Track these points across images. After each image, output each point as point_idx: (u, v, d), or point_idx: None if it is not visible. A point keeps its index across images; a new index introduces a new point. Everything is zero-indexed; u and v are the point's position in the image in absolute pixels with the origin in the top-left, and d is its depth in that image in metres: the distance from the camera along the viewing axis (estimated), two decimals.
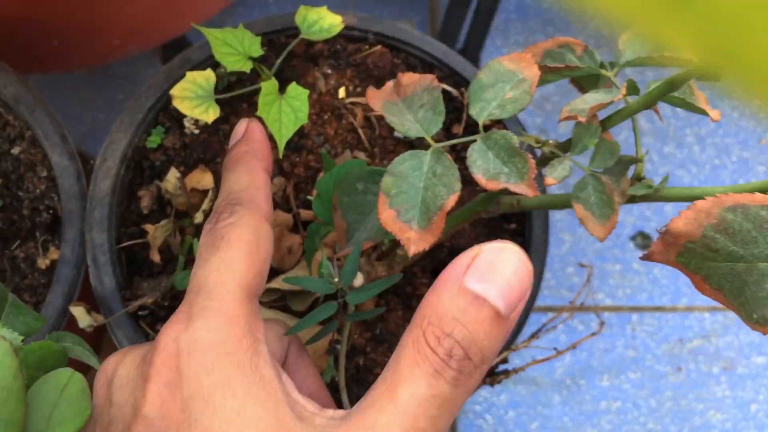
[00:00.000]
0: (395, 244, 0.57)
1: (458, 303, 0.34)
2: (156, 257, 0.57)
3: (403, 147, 0.65)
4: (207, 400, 0.32)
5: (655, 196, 0.50)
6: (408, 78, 0.49)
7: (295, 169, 0.64)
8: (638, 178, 0.51)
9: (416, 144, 0.65)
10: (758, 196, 0.39)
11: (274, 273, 0.61)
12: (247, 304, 0.37)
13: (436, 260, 0.62)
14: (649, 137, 1.10)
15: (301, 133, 0.64)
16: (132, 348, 0.38)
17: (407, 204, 0.46)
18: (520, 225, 0.63)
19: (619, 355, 1.03)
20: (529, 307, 0.61)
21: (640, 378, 1.02)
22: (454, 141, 0.48)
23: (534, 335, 0.60)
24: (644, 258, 0.44)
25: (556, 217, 1.07)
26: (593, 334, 0.64)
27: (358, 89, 0.66)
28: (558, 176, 0.48)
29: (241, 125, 0.50)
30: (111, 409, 0.35)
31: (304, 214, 0.64)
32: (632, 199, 0.51)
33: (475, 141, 0.47)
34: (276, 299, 0.59)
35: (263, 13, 1.11)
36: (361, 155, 0.65)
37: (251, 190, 0.44)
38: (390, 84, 0.49)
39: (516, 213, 0.66)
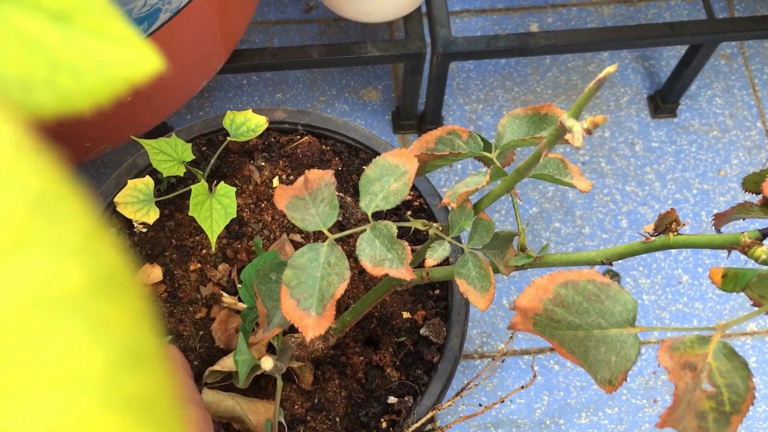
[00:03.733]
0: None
1: None
2: None
3: (333, 227, 0.71)
4: None
5: (536, 263, 0.55)
6: (313, 174, 0.56)
7: (238, 255, 0.70)
8: (521, 249, 0.56)
9: (344, 224, 0.71)
10: (585, 271, 0.44)
11: (222, 353, 0.67)
12: None
13: (366, 330, 0.68)
14: (609, 178, 1.14)
15: (240, 221, 0.71)
16: None
17: (306, 293, 0.52)
18: (444, 290, 0.69)
19: (595, 391, 1.06)
20: (452, 368, 0.65)
21: (618, 413, 1.05)
22: (348, 232, 0.54)
23: (458, 394, 0.64)
24: (510, 328, 0.49)
25: None
26: (522, 387, 0.68)
27: (291, 177, 0.72)
28: (438, 257, 0.53)
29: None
30: None
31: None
32: (519, 268, 0.56)
33: (364, 230, 0.53)
34: (221, 379, 0.65)
35: (238, 95, 1.19)
36: (297, 237, 0.71)
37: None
38: (301, 180, 0.56)
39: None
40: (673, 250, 1.11)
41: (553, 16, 1.25)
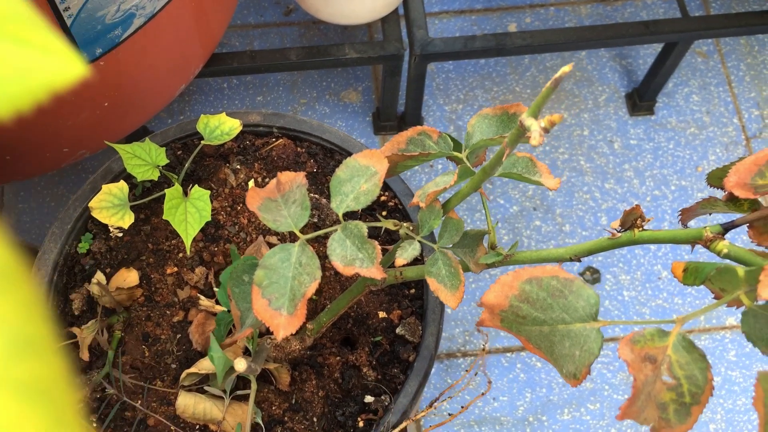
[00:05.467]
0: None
1: None
2: (85, 355, 0.64)
3: (308, 228, 0.72)
4: None
5: (507, 261, 0.56)
6: (285, 176, 0.56)
7: (215, 258, 0.70)
8: (492, 247, 0.57)
9: (320, 225, 0.72)
10: (548, 267, 0.45)
11: (199, 356, 0.68)
12: None
13: (343, 330, 0.68)
14: (589, 176, 1.15)
15: (217, 224, 0.71)
16: None
17: (277, 293, 0.52)
18: (419, 290, 0.69)
19: (577, 388, 1.07)
20: (428, 366, 0.66)
21: (600, 409, 1.06)
22: (319, 232, 0.54)
23: (431, 405, 0.65)
24: (478, 324, 0.49)
25: None
26: (483, 393, 0.68)
27: (266, 180, 0.73)
28: (408, 256, 0.54)
29: None
30: None
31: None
32: (490, 266, 0.57)
33: (336, 231, 0.53)
34: (198, 381, 0.65)
35: (218, 99, 1.19)
36: (274, 239, 0.72)
37: None
38: (273, 182, 0.56)
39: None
40: (652, 247, 1.12)
41: (531, 16, 1.26)
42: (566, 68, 0.39)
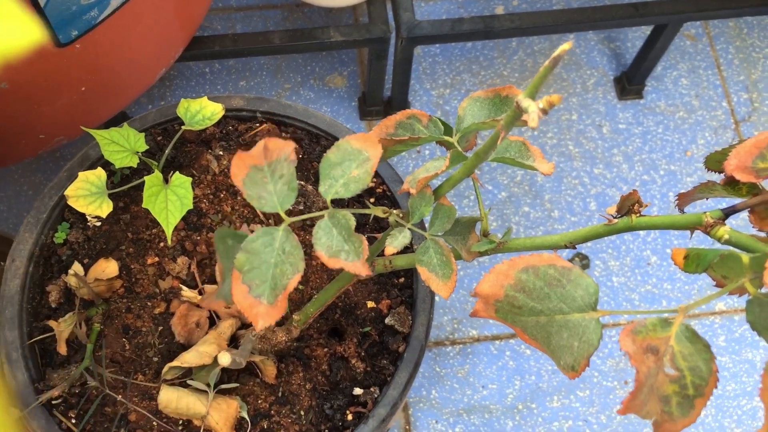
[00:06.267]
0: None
1: None
2: (63, 349, 0.62)
3: (293, 215, 0.70)
4: None
5: (500, 249, 0.54)
6: (273, 143, 0.53)
7: (198, 247, 0.68)
8: (484, 234, 0.55)
9: (305, 213, 0.69)
10: (545, 256, 0.43)
11: (182, 348, 0.66)
12: None
13: (330, 321, 0.66)
14: (578, 161, 1.14)
15: (199, 212, 0.69)
16: None
17: (258, 279, 0.50)
18: (408, 279, 0.67)
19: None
20: (419, 357, 0.64)
21: (589, 395, 1.05)
22: (305, 216, 0.52)
23: None
24: (472, 315, 0.48)
25: None
26: None
27: None
28: (398, 245, 0.52)
29: None
30: None
31: (209, 289, 0.68)
32: (482, 254, 0.55)
33: (323, 218, 0.51)
34: (181, 375, 0.63)
35: (200, 83, 1.17)
36: (257, 227, 0.69)
37: None
38: (261, 145, 0.53)
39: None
40: (641, 232, 1.11)
41: None
42: (565, 46, 0.37)
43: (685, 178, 1.13)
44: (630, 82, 1.15)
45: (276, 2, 1.23)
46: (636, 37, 1.21)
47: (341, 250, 0.50)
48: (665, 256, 1.10)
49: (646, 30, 1.19)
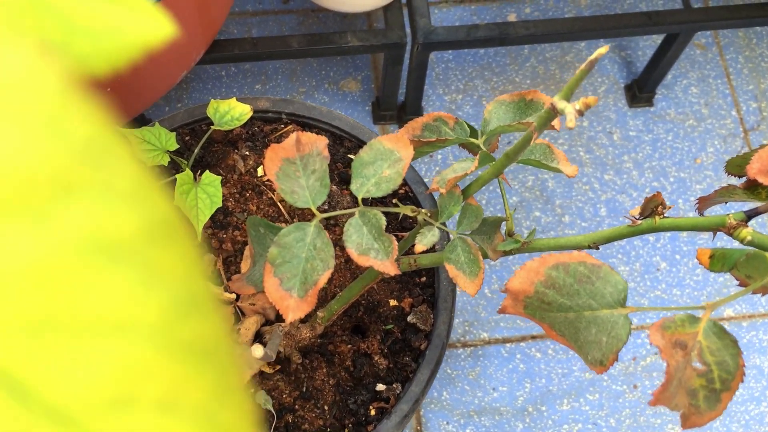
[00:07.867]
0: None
1: None
2: None
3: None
4: None
5: (524, 249, 0.56)
6: (306, 137, 0.54)
7: (223, 245, 0.70)
8: (509, 234, 0.57)
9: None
10: (575, 254, 0.44)
11: None
12: None
13: (353, 318, 0.68)
14: (588, 167, 1.15)
15: (225, 211, 0.70)
16: None
17: (289, 273, 0.51)
18: (430, 278, 0.69)
19: (576, 378, 1.07)
20: (440, 355, 0.66)
21: (599, 399, 1.06)
22: (337, 212, 0.54)
23: None
24: (500, 311, 0.49)
25: None
26: None
27: None
28: (428, 243, 0.53)
29: None
30: None
31: (234, 286, 0.70)
32: (507, 253, 0.57)
33: (353, 215, 0.52)
34: None
35: (216, 86, 1.18)
36: (283, 226, 0.71)
37: None
38: (293, 137, 0.55)
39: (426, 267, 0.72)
40: (651, 237, 1.13)
41: (530, 7, 1.25)
42: (602, 50, 0.39)
43: (695, 186, 1.15)
44: (641, 90, 1.17)
45: (292, 7, 1.24)
46: (647, 45, 1.23)
47: (371, 248, 0.51)
48: (675, 262, 1.11)
49: (657, 39, 1.21)
